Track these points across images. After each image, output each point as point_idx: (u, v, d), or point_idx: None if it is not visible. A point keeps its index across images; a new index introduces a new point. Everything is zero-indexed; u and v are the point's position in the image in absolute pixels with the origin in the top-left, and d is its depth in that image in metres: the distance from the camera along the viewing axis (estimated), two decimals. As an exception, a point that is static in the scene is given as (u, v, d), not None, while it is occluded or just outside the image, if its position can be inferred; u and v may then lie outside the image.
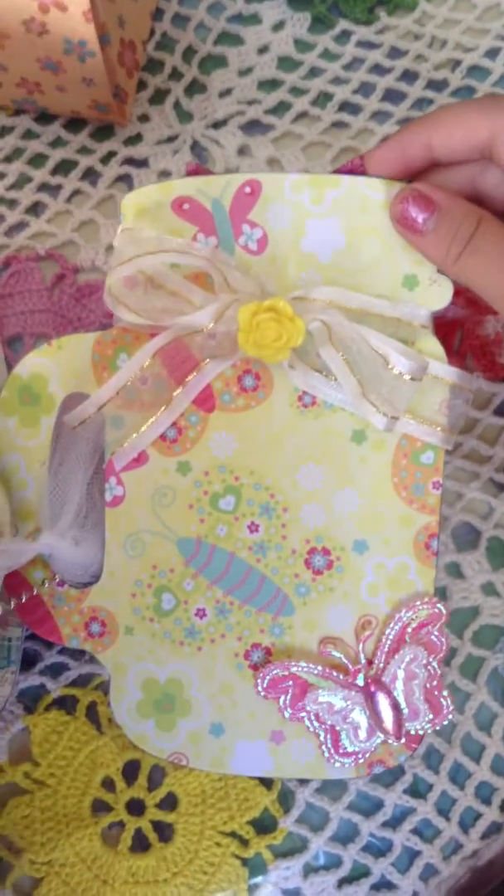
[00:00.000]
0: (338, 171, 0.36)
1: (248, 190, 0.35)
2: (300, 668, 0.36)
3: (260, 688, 0.37)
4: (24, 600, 0.37)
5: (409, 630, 0.36)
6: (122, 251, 0.35)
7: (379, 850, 0.39)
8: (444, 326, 0.43)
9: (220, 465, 0.37)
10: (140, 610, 0.37)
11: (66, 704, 0.40)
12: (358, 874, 0.39)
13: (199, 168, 0.36)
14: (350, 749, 0.36)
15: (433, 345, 0.36)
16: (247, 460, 0.37)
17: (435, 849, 0.39)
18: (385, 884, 0.39)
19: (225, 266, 0.35)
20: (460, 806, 0.39)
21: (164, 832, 0.39)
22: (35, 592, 0.37)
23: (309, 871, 0.39)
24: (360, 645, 0.37)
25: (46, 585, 0.38)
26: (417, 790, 0.39)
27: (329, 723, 0.36)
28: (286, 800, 0.39)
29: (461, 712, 0.40)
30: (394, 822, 0.39)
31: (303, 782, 0.39)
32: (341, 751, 0.36)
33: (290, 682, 0.36)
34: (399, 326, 0.35)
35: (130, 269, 0.34)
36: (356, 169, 0.35)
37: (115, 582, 0.37)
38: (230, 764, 0.37)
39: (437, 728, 0.36)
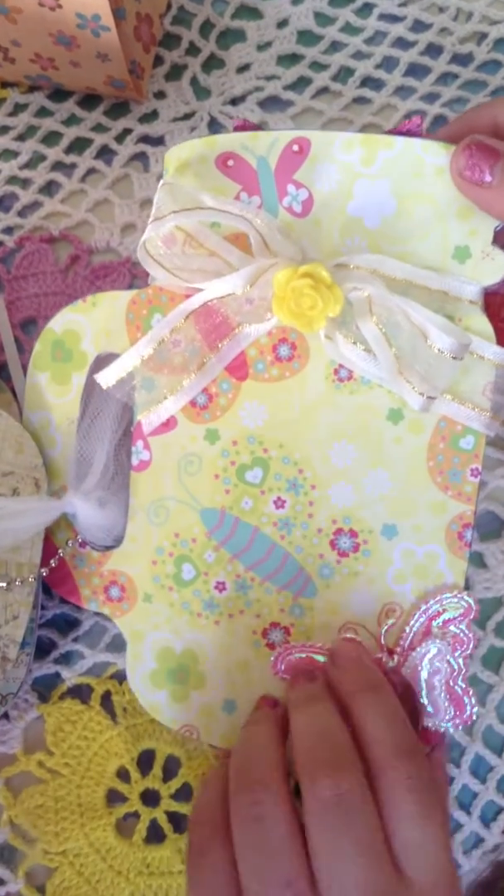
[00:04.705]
0: (393, 132, 0.33)
1: (295, 148, 0.34)
2: (319, 651, 0.35)
3: (276, 669, 0.35)
4: (50, 562, 0.37)
5: (436, 623, 0.35)
6: (161, 206, 0.33)
7: (399, 842, 0.38)
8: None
9: (250, 436, 0.35)
10: (160, 578, 0.36)
11: (80, 693, 0.40)
12: (377, 866, 0.38)
13: (247, 123, 0.34)
14: (364, 739, 0.35)
15: (481, 322, 0.33)
16: (277, 432, 0.35)
17: (456, 843, 0.38)
18: (405, 876, 0.38)
19: (266, 228, 0.33)
20: (481, 800, 0.38)
21: (180, 823, 0.39)
22: (58, 552, 0.37)
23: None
24: (382, 633, 0.35)
25: (70, 545, 0.37)
26: (439, 783, 0.38)
27: (344, 710, 0.35)
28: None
29: (483, 705, 0.38)
30: (414, 816, 0.38)
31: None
32: (355, 740, 0.35)
33: (307, 665, 0.35)
34: (446, 301, 0.33)
35: (167, 225, 0.33)
36: (413, 130, 0.33)
37: (136, 547, 0.37)
38: (240, 742, 0.36)
39: (459, 728, 0.34)
